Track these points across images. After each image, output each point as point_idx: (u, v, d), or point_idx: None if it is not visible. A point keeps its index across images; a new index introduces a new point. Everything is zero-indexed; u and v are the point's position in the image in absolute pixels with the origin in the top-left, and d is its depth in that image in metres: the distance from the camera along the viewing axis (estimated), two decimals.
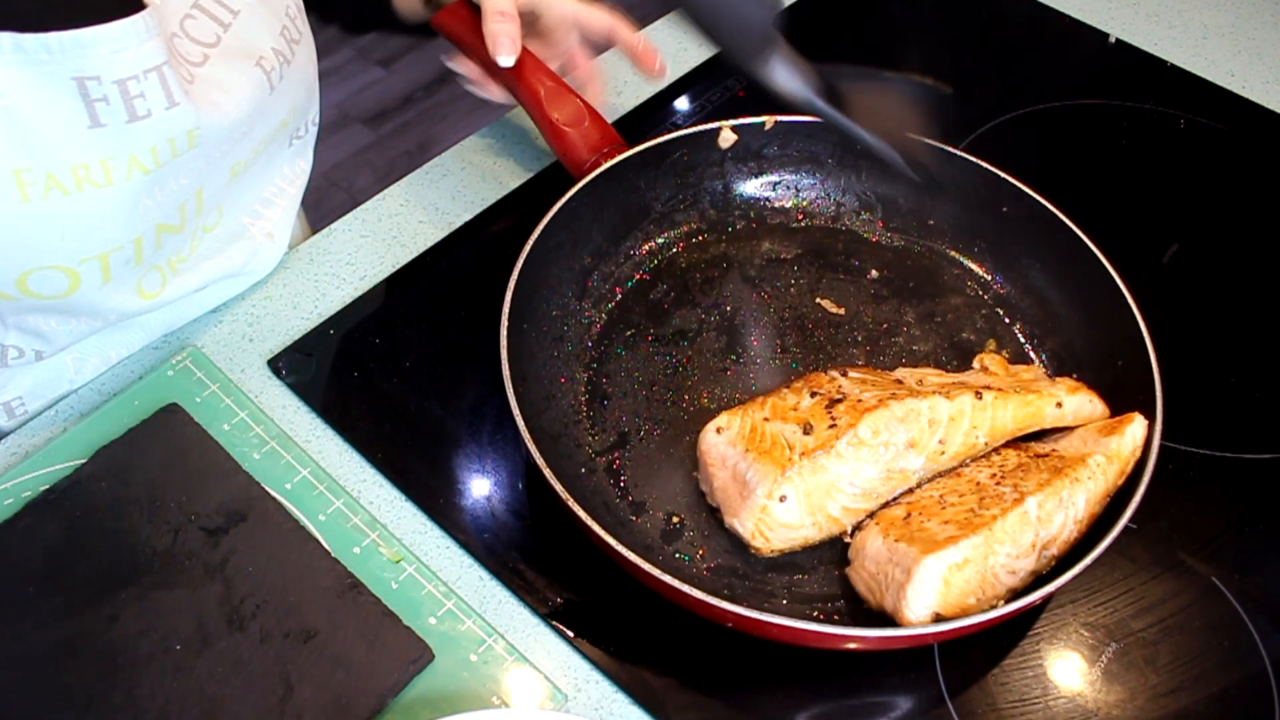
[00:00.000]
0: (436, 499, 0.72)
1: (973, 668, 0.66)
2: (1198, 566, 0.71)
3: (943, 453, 0.68)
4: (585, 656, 0.66)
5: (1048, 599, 0.68)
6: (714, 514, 0.70)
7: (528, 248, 0.75)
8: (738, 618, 0.60)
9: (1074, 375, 0.76)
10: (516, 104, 0.88)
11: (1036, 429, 0.70)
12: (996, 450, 0.70)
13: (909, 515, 0.65)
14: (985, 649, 0.67)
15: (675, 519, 0.71)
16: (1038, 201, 0.80)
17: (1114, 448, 0.67)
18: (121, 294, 0.71)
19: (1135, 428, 0.68)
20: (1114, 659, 0.67)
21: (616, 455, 0.74)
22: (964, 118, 0.79)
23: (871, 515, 0.68)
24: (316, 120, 0.80)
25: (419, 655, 0.64)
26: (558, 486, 0.64)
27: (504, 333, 0.70)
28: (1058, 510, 0.64)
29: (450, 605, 0.67)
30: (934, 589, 0.61)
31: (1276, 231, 0.92)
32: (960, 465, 0.69)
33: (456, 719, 0.59)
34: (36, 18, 0.57)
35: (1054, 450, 0.69)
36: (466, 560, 0.70)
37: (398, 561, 0.68)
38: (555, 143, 0.84)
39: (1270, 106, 1.01)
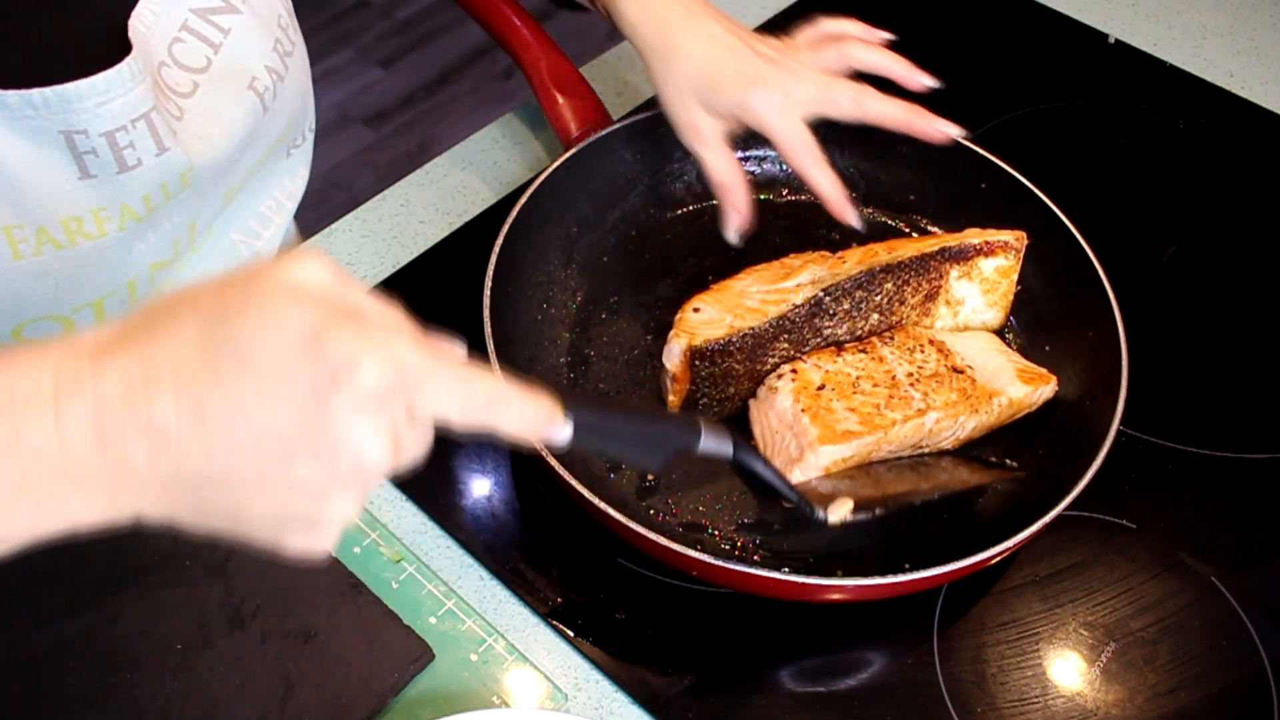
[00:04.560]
0: (436, 499, 0.72)
1: (971, 666, 0.66)
2: (1197, 566, 0.71)
3: (843, 261, 0.74)
4: (585, 656, 0.66)
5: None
6: (687, 474, 0.72)
7: (513, 214, 0.77)
8: (704, 565, 0.62)
9: (1046, 347, 0.79)
10: (517, 107, 0.88)
11: (936, 246, 0.74)
12: (921, 347, 0.73)
13: (824, 386, 0.70)
14: (984, 646, 0.67)
15: (650, 477, 0.72)
16: (1013, 177, 0.82)
17: (1019, 396, 0.72)
18: None
19: (1045, 390, 0.73)
20: (1113, 658, 0.67)
21: None
22: (964, 118, 0.80)
23: (796, 359, 0.72)
24: (314, 126, 0.79)
25: (419, 655, 0.64)
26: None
27: (487, 293, 0.71)
28: (949, 428, 0.70)
29: (450, 605, 0.67)
30: (817, 473, 0.68)
31: (1275, 232, 0.92)
32: (884, 341, 0.73)
33: (456, 719, 0.59)
34: (21, 73, 0.56)
35: (969, 369, 0.72)
36: (466, 560, 0.70)
37: (398, 561, 0.69)
38: (549, 110, 0.87)
39: (1269, 107, 1.01)
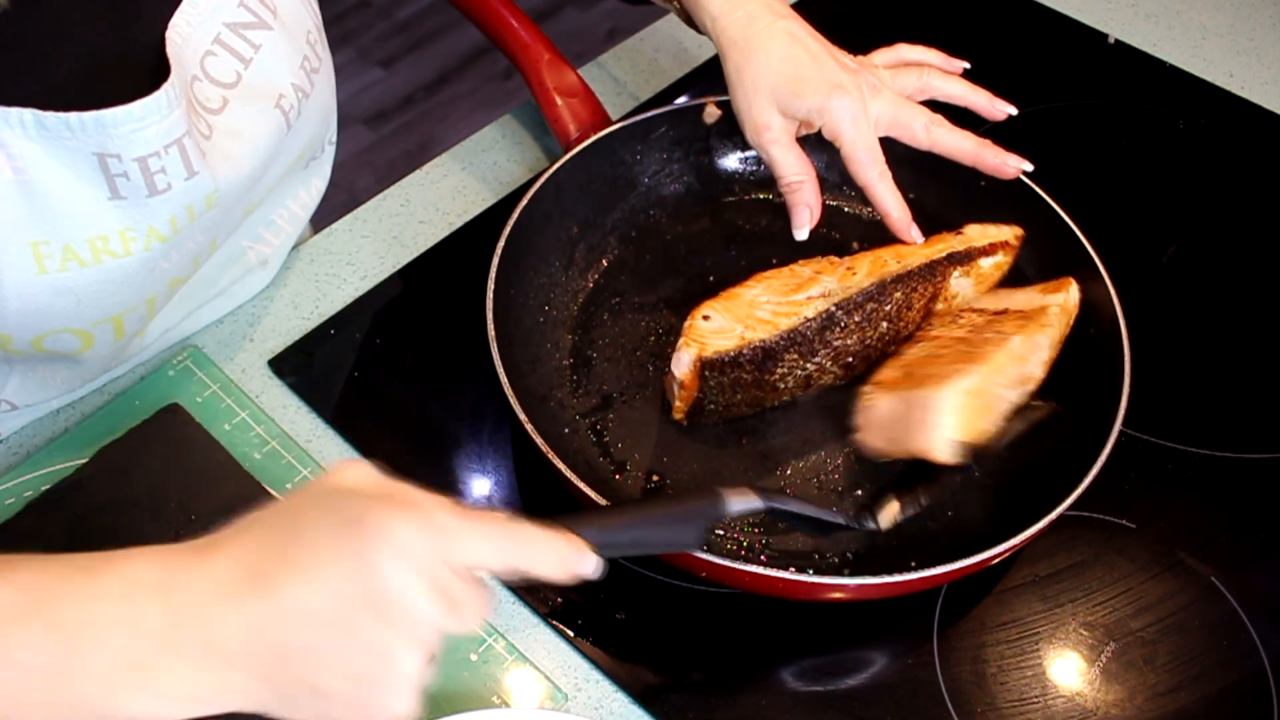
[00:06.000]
0: None
1: (971, 666, 0.66)
2: (1197, 566, 0.71)
3: (853, 272, 0.74)
4: (585, 656, 0.66)
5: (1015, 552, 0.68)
6: (691, 474, 0.72)
7: (514, 217, 0.77)
8: (709, 565, 0.62)
9: None
10: (514, 107, 0.88)
11: (944, 252, 0.75)
12: (961, 315, 0.74)
13: (908, 373, 0.70)
14: (984, 646, 0.67)
15: (655, 477, 0.72)
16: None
17: (1062, 300, 0.74)
18: (127, 342, 0.71)
19: (1073, 290, 0.75)
20: (1113, 658, 0.67)
21: (599, 417, 0.75)
22: (965, 118, 0.80)
23: (837, 366, 0.73)
24: (334, 139, 0.79)
25: None
26: (540, 442, 0.65)
27: (490, 297, 0.72)
28: (1032, 351, 0.71)
29: None
30: (955, 416, 0.66)
31: (1275, 232, 0.92)
32: (928, 325, 0.76)
33: (456, 719, 0.59)
34: (60, 94, 0.56)
35: (1009, 309, 0.74)
36: None
37: None
38: (548, 112, 0.87)
39: (1269, 107, 1.01)
